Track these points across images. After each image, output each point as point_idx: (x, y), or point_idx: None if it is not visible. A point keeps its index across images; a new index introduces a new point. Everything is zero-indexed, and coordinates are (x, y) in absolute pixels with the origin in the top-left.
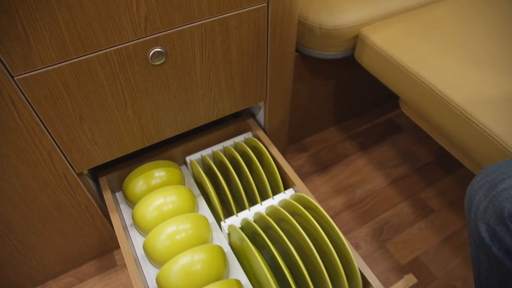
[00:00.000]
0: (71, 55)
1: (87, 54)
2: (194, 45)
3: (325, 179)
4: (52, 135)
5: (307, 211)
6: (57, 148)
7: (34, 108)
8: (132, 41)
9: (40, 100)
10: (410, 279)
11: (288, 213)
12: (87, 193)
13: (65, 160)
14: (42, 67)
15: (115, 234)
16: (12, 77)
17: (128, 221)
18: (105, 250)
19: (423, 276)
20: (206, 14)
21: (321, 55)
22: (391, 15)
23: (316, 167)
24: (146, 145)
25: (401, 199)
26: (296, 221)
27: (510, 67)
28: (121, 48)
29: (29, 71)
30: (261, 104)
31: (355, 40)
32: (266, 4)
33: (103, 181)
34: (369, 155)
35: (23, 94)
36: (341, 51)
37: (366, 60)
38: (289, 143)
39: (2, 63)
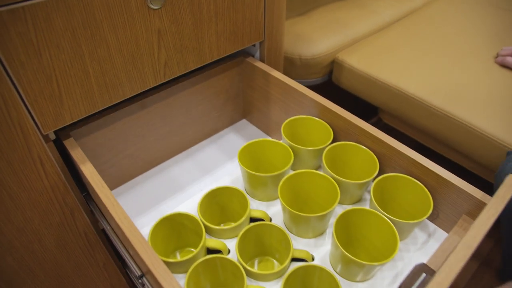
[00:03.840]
0: (98, 107)
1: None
2: None
3: None
4: (75, 191)
5: None
6: (80, 205)
7: (60, 166)
8: (152, 88)
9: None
10: None
11: None
12: (106, 250)
13: (86, 217)
14: (71, 122)
15: None
16: (43, 136)
17: None
18: None
19: None
20: (214, 55)
21: (302, 83)
22: (360, 39)
23: None
24: None
25: None
26: None
27: (478, 65)
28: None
29: (59, 127)
30: None
31: (331, 65)
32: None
33: None
34: None
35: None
36: (320, 77)
37: (345, 81)
38: None
39: (35, 123)
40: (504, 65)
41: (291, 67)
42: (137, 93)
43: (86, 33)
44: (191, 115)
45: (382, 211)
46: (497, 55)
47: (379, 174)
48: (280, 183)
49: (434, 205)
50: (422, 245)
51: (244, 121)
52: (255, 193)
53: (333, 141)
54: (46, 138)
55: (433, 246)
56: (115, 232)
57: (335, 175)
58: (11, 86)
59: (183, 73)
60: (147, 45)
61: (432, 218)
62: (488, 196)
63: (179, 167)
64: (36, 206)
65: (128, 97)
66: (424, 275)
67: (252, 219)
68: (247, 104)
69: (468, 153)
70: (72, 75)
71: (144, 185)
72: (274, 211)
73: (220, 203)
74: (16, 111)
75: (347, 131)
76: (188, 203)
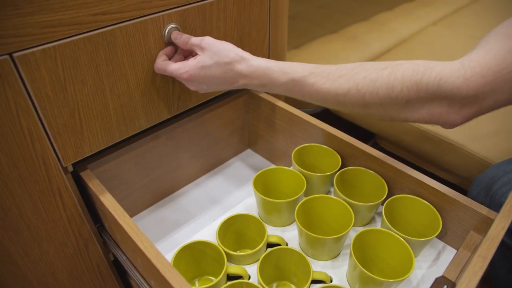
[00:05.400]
0: (116, 139)
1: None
2: None
3: None
4: (89, 223)
5: None
6: (93, 237)
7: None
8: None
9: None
10: None
11: None
12: (116, 282)
13: (99, 248)
14: (90, 154)
15: None
16: (63, 168)
17: None
18: None
19: None
20: None
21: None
22: None
23: None
24: None
25: None
26: None
27: None
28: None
29: (78, 159)
30: None
31: None
32: None
33: None
34: None
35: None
36: (318, 107)
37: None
38: None
39: (57, 155)
40: None
41: (291, 98)
42: (151, 125)
43: (108, 69)
44: (200, 146)
45: (395, 230)
46: None
47: (387, 196)
48: (297, 208)
49: (442, 223)
50: (433, 262)
51: (249, 151)
52: (269, 219)
53: (341, 167)
54: (65, 170)
55: (444, 262)
56: (131, 263)
57: (347, 199)
58: (37, 120)
59: (195, 105)
60: (163, 80)
61: (440, 236)
62: (493, 212)
63: (188, 197)
64: (52, 238)
65: (144, 129)
66: (445, 287)
67: (269, 245)
68: (252, 134)
69: (461, 172)
70: (93, 108)
71: (155, 216)
72: (289, 236)
73: (236, 231)
74: (40, 144)
75: (354, 156)
76: (203, 232)
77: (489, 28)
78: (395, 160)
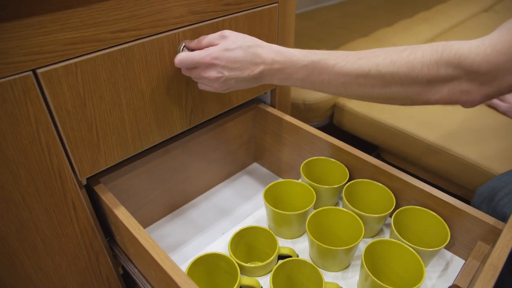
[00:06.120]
0: (130, 153)
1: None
2: None
3: None
4: (101, 236)
5: None
6: (104, 250)
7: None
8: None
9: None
10: None
11: None
12: None
13: (110, 262)
14: (105, 167)
15: None
16: (78, 181)
17: None
18: None
19: None
20: (234, 102)
21: None
22: None
23: None
24: None
25: None
26: None
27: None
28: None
29: (94, 173)
30: None
31: (333, 109)
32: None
33: None
34: None
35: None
36: (322, 121)
37: (347, 124)
38: None
39: (73, 169)
40: (490, 106)
41: (295, 111)
42: (165, 139)
43: (125, 84)
44: (208, 160)
45: (405, 241)
46: None
47: (395, 207)
48: (307, 219)
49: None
50: (442, 272)
51: (255, 164)
52: (280, 231)
53: (349, 179)
54: (80, 183)
55: (453, 272)
56: (143, 276)
57: (356, 210)
58: (56, 134)
59: (206, 119)
60: (177, 95)
61: (448, 247)
62: (500, 222)
63: (198, 210)
64: (65, 252)
65: (157, 143)
66: None
67: (280, 256)
68: (258, 148)
69: (463, 183)
70: (110, 123)
71: (165, 228)
72: (299, 248)
73: (247, 243)
74: (57, 158)
75: (361, 168)
76: (213, 246)
77: None
78: (402, 172)
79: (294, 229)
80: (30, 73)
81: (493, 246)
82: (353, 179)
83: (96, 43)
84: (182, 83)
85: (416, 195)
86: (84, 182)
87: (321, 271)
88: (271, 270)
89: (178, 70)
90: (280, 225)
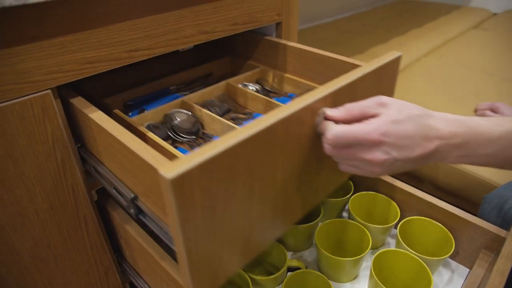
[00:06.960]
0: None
1: None
2: None
3: None
4: (110, 251)
5: None
6: (113, 265)
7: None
8: None
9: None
10: None
11: None
12: None
13: (118, 277)
14: None
15: None
16: (90, 196)
17: None
18: None
19: None
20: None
21: None
22: None
23: None
24: None
25: None
26: None
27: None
28: None
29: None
30: None
31: None
32: None
33: None
34: None
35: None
36: None
37: None
38: None
39: (85, 185)
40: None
41: None
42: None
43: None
44: None
45: (412, 251)
46: (476, 110)
47: (399, 218)
48: (316, 231)
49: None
50: (448, 281)
51: None
52: (287, 244)
53: (354, 192)
54: (91, 199)
55: (459, 281)
56: None
57: (363, 222)
58: (70, 151)
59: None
60: (308, 179)
61: (452, 256)
62: (503, 230)
63: None
64: (75, 267)
65: None
66: None
67: (289, 269)
68: None
69: (465, 195)
70: None
71: None
72: (306, 260)
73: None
74: (70, 173)
75: (364, 181)
76: None
77: (477, 59)
78: (405, 184)
79: (301, 242)
80: (49, 91)
81: (497, 254)
82: (358, 192)
83: (111, 62)
84: (313, 162)
85: (419, 206)
86: (95, 197)
87: (331, 282)
88: (281, 283)
89: (315, 146)
90: (287, 237)
